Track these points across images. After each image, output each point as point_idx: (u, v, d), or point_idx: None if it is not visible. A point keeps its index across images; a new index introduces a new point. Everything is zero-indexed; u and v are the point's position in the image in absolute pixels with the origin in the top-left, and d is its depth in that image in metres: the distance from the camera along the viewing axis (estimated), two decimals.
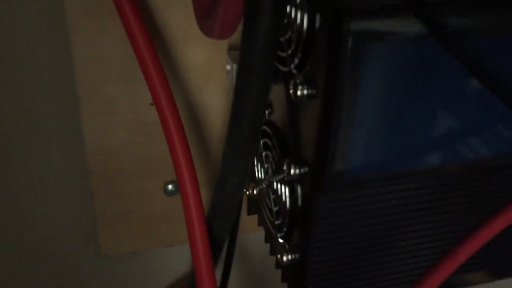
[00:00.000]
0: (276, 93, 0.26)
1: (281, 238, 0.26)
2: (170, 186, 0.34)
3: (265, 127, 0.27)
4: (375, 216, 0.23)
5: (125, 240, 0.35)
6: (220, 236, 0.29)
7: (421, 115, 0.20)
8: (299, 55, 0.21)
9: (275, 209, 0.27)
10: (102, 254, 0.35)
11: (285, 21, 0.22)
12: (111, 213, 0.33)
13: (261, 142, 0.28)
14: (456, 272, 0.26)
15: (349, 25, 0.17)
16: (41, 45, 0.28)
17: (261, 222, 0.32)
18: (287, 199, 0.24)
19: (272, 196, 0.27)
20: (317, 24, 0.20)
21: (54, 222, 0.34)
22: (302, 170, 0.22)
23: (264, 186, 0.28)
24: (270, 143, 0.27)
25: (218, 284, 0.31)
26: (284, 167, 0.23)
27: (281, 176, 0.25)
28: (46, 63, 0.29)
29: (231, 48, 0.29)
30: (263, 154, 0.28)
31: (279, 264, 0.27)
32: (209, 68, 0.29)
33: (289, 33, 0.22)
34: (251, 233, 0.37)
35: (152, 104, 0.29)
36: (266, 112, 0.28)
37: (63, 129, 0.31)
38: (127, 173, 0.32)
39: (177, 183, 0.30)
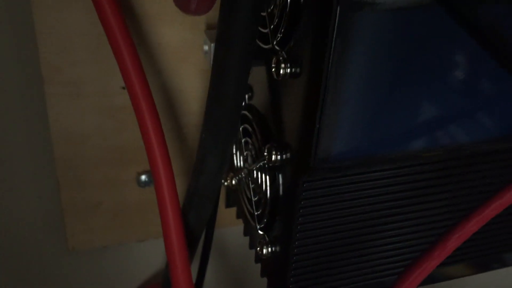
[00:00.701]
0: (257, 75, 0.24)
1: (261, 229, 0.24)
2: (143, 177, 0.32)
3: (245, 112, 0.26)
4: (359, 203, 0.22)
5: (95, 234, 0.33)
6: (196, 228, 0.27)
7: (410, 95, 0.19)
8: (283, 29, 0.19)
9: (255, 199, 0.25)
10: (70, 248, 0.33)
11: None
12: (80, 204, 0.31)
13: (241, 128, 0.26)
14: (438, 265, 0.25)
15: None
16: (2, 21, 0.26)
17: (239, 215, 0.30)
18: (268, 188, 0.23)
19: (251, 186, 0.25)
20: None
21: (18, 214, 0.32)
22: (284, 155, 0.20)
23: (243, 175, 0.27)
24: (250, 128, 0.25)
25: (194, 280, 0.30)
26: (265, 153, 0.22)
27: (261, 163, 0.23)
28: (6, 38, 0.26)
29: (209, 27, 0.27)
30: (243, 140, 0.26)
31: (258, 257, 0.26)
32: (185, 48, 0.27)
33: (272, 7, 0.20)
34: (229, 227, 0.35)
35: (123, 87, 0.27)
36: (246, 96, 0.26)
37: (26, 113, 0.29)
38: (96, 161, 0.30)
39: (151, 174, 0.28)
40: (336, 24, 0.16)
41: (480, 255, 0.27)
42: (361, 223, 0.23)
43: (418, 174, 0.22)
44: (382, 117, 0.19)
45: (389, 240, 0.24)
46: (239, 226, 0.30)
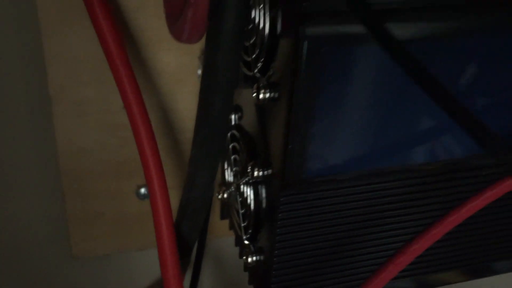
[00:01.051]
0: (246, 97, 0.26)
1: (247, 240, 0.26)
2: (142, 190, 0.34)
3: (234, 131, 0.28)
4: (332, 216, 0.24)
5: (98, 242, 0.35)
6: (189, 238, 0.29)
7: (376, 118, 0.21)
8: (262, 59, 0.21)
9: (242, 211, 0.27)
10: (74, 256, 0.35)
11: (250, 26, 0.22)
12: (83, 214, 0.33)
13: (231, 146, 0.28)
14: (431, 271, 0.27)
15: (305, 30, 0.18)
16: (14, 45, 0.29)
17: (231, 226, 0.32)
18: (252, 201, 0.25)
19: (239, 199, 0.27)
20: (279, 28, 0.20)
21: (25, 222, 0.34)
22: (265, 172, 0.23)
23: (233, 189, 0.29)
24: (238, 147, 0.27)
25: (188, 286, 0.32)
26: (249, 170, 0.24)
27: (246, 179, 0.25)
28: (18, 63, 0.29)
29: (203, 53, 0.29)
30: (232, 157, 0.28)
31: (245, 266, 0.28)
32: (181, 72, 0.30)
33: (254, 38, 0.22)
34: (224, 237, 0.37)
35: (123, 107, 0.30)
36: (236, 116, 0.28)
37: (35, 129, 0.31)
38: (99, 174, 0.32)
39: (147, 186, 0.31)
40: (304, 58, 0.18)
41: (469, 264, 0.29)
42: (336, 234, 0.25)
43: (386, 190, 0.24)
44: (349, 139, 0.21)
45: (363, 249, 0.26)
46: (233, 236, 0.33)
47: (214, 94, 0.21)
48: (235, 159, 0.28)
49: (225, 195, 0.30)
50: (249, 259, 0.26)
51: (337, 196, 0.22)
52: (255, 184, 0.25)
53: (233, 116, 0.28)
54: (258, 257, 0.25)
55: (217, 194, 0.30)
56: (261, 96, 0.21)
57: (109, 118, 0.30)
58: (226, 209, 0.34)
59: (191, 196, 0.26)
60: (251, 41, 0.22)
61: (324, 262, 0.25)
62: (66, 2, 0.26)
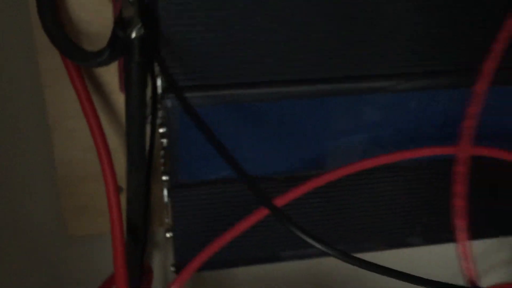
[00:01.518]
0: None
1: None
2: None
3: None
4: (217, 209, 0.37)
5: (91, 224, 0.49)
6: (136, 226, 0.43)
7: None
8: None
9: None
10: (70, 234, 0.49)
11: None
12: (76, 204, 0.48)
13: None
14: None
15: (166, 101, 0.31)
16: (23, 91, 0.43)
17: None
18: (165, 198, 0.39)
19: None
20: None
21: (30, 211, 0.49)
22: (165, 178, 0.36)
23: None
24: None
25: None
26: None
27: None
28: (27, 102, 0.44)
29: None
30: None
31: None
32: None
33: None
34: None
35: None
36: None
37: (40, 147, 0.46)
38: (88, 178, 0.47)
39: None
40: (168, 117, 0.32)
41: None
42: (224, 223, 0.38)
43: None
44: (211, 161, 0.34)
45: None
46: None
47: (131, 135, 0.35)
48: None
49: None
50: (167, 235, 0.39)
51: (213, 193, 0.36)
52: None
53: None
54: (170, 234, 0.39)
55: None
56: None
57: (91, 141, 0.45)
58: None
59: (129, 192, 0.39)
60: None
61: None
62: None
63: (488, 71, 0.33)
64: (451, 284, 0.31)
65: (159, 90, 0.34)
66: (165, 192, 0.38)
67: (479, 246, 0.60)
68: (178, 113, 0.32)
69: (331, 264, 0.57)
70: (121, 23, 0.31)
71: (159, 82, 0.34)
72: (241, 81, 0.32)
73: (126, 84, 0.33)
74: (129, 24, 0.31)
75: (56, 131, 0.43)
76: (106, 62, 0.34)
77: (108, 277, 0.47)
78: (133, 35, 0.31)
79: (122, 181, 0.41)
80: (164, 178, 0.36)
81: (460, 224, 0.34)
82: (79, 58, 0.36)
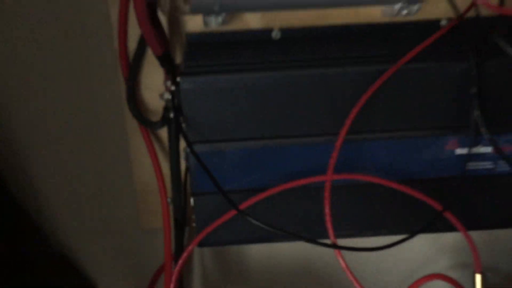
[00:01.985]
0: None
1: None
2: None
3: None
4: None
5: (154, 220, 0.79)
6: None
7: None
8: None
9: None
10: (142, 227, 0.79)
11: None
12: (146, 208, 0.78)
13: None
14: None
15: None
16: (118, 142, 0.75)
17: None
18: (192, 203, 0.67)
19: None
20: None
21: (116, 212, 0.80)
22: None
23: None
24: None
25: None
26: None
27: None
28: (119, 147, 0.75)
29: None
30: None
31: None
32: None
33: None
34: None
35: None
36: None
37: (125, 171, 0.77)
38: (153, 191, 0.76)
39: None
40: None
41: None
42: None
43: None
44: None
45: None
46: None
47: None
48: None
49: None
50: (193, 224, 0.68)
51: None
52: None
53: None
54: None
55: None
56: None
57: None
58: None
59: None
60: None
61: None
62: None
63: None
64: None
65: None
66: (192, 200, 0.67)
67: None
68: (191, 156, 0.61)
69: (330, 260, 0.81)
70: (165, 108, 0.62)
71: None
72: (228, 138, 0.61)
73: (169, 140, 0.63)
74: (168, 110, 0.61)
75: (134, 162, 0.74)
76: (160, 127, 0.64)
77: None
78: (171, 116, 0.61)
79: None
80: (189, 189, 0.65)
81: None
82: (148, 125, 0.67)
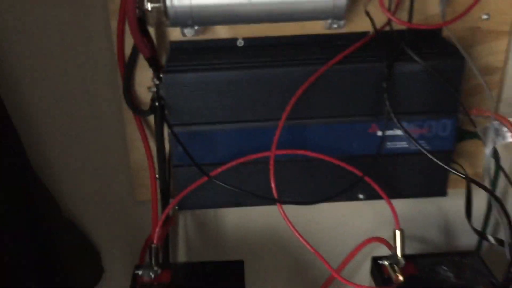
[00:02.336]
0: None
1: None
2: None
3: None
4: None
5: (146, 193, 0.97)
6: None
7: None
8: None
9: None
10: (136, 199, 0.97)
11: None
12: (139, 182, 0.96)
13: None
14: None
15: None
16: (115, 127, 0.93)
17: None
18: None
19: None
20: None
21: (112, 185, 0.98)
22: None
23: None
24: None
25: None
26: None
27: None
28: (118, 132, 0.94)
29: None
30: None
31: None
32: None
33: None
34: None
35: None
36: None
37: (121, 152, 0.95)
38: (144, 168, 0.94)
39: None
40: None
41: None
42: None
43: None
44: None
45: None
46: None
47: None
48: None
49: None
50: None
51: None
52: None
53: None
54: None
55: None
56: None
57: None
58: None
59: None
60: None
61: None
62: None
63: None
64: None
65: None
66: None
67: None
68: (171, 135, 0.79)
69: None
70: (152, 99, 0.80)
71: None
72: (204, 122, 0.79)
73: (155, 124, 0.82)
74: (154, 100, 0.79)
75: (130, 144, 0.92)
76: (148, 115, 0.83)
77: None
78: (156, 104, 0.79)
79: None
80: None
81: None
82: (139, 113, 0.85)
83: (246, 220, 1.01)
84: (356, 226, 1.03)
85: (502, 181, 0.89)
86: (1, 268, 0.80)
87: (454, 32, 0.83)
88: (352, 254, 0.95)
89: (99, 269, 1.05)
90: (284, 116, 0.76)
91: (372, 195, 0.84)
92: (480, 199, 0.90)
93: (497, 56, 0.87)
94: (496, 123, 0.83)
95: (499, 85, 0.90)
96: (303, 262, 1.05)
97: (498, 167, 0.87)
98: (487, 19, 0.84)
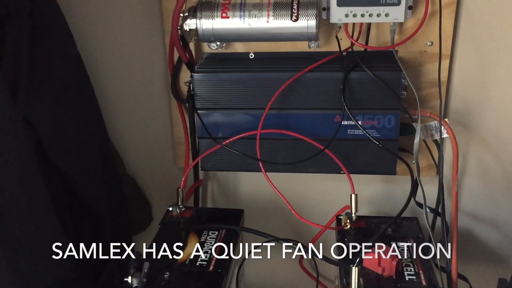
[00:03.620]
0: None
1: None
2: None
3: None
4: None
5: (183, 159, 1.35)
6: None
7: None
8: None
9: None
10: (178, 166, 1.36)
11: None
12: (179, 154, 1.34)
13: None
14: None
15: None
16: (164, 111, 1.33)
17: None
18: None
19: None
20: None
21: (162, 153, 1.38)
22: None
23: None
24: None
25: None
26: None
27: None
28: (165, 115, 1.33)
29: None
30: None
31: None
32: None
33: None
34: None
35: None
36: None
37: (167, 128, 1.34)
38: (182, 142, 1.32)
39: None
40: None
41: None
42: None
43: None
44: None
45: None
46: None
47: None
48: None
49: None
50: None
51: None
52: None
53: None
54: None
55: None
56: None
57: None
58: None
59: None
60: None
61: None
62: None
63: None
64: None
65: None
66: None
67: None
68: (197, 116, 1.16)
69: None
70: (188, 91, 1.19)
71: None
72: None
73: (188, 108, 1.20)
74: (188, 91, 1.18)
75: (174, 124, 1.31)
76: (186, 102, 1.22)
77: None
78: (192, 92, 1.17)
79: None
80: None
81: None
82: (181, 101, 1.25)
83: (258, 182, 1.36)
84: (340, 201, 1.34)
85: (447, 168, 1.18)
86: (88, 205, 1.20)
87: (408, 54, 1.14)
88: (332, 220, 1.26)
89: (150, 218, 1.44)
90: (268, 105, 1.11)
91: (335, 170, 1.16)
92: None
93: (443, 73, 1.16)
94: (434, 122, 1.13)
95: (446, 95, 1.19)
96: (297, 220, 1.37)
97: (441, 156, 1.15)
98: (431, 45, 1.14)
